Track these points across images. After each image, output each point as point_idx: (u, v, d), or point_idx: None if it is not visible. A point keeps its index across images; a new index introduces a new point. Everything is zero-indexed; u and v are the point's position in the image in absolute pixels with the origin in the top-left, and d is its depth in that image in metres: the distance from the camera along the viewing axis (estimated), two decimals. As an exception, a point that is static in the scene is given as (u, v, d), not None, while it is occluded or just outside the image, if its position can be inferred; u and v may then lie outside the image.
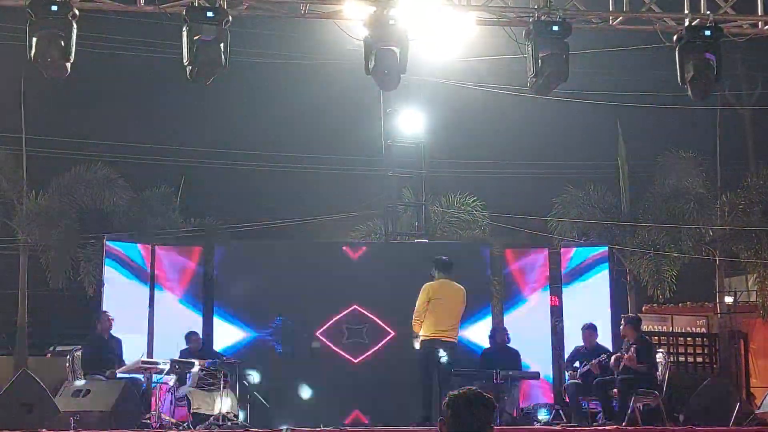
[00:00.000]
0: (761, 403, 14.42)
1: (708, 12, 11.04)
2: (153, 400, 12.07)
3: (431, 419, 11.45)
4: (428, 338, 11.75)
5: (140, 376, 12.21)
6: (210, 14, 10.16)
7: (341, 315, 14.13)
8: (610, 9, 11.30)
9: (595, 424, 12.20)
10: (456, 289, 12.05)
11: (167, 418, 11.95)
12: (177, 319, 14.16)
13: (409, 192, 20.88)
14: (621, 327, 12.50)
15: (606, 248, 15.56)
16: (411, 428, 11.37)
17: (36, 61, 10.02)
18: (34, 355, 19.97)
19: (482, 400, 4.38)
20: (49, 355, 20.91)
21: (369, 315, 14.11)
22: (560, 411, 13.09)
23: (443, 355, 11.74)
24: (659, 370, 12.21)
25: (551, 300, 15.29)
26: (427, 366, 11.75)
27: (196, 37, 10.13)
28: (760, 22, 11.40)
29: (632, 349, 11.98)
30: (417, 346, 11.86)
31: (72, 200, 20.65)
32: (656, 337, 20.51)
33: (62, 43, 9.97)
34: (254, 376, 13.34)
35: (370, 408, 13.65)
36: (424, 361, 11.78)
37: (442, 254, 12.48)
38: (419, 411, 11.72)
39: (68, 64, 10.13)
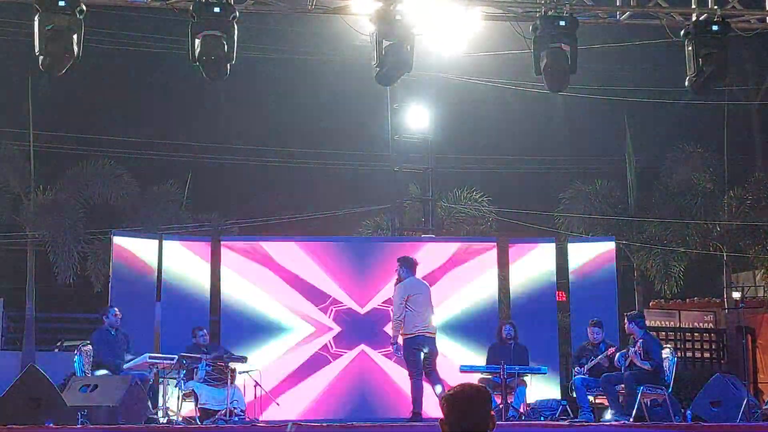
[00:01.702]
0: (769, 399, 14.43)
1: (715, 7, 11.02)
2: (160, 395, 12.08)
3: (421, 415, 11.50)
4: (413, 335, 11.69)
5: (147, 372, 12.23)
6: (217, 9, 10.16)
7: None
8: (617, 4, 11.29)
9: (601, 419, 12.20)
10: (426, 285, 12.14)
11: (174, 413, 11.97)
12: (184, 313, 14.20)
13: (416, 187, 20.88)
14: (625, 325, 12.49)
15: (613, 242, 15.56)
16: (417, 425, 11.38)
17: (42, 56, 10.02)
18: (42, 350, 19.99)
19: (478, 393, 4.40)
20: (56, 350, 20.95)
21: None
22: (567, 407, 13.09)
23: (429, 350, 11.73)
24: (666, 366, 12.19)
25: (558, 295, 15.30)
26: (416, 362, 11.72)
27: (203, 33, 10.13)
28: (767, 17, 11.38)
29: (638, 344, 11.97)
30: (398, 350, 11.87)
31: (79, 195, 20.66)
32: (663, 333, 20.50)
33: (70, 38, 9.98)
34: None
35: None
36: (412, 357, 11.72)
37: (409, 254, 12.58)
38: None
39: (75, 60, 10.13)
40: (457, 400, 4.37)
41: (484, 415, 4.36)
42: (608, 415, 12.16)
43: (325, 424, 11.75)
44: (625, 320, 12.55)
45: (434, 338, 11.82)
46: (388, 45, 10.49)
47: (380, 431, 11.66)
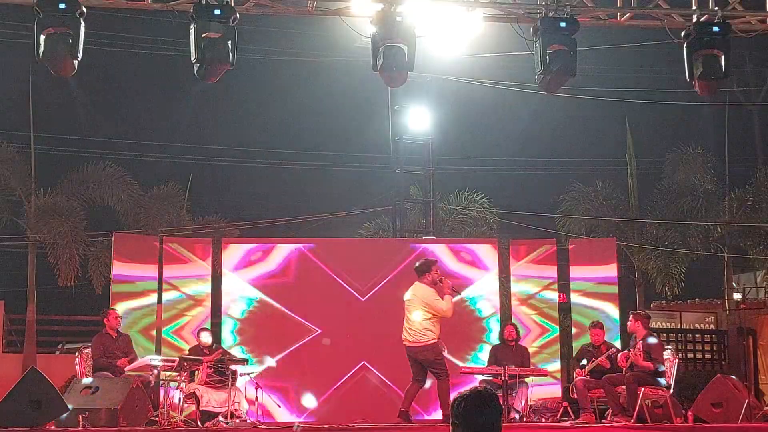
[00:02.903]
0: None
1: (716, 8, 11.01)
2: (161, 397, 12.08)
3: (407, 416, 11.48)
4: None
5: (148, 374, 12.22)
6: (217, 12, 10.15)
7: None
8: (618, 5, 11.29)
9: (603, 420, 12.20)
10: (412, 291, 11.79)
11: (175, 415, 11.97)
12: (186, 314, 14.22)
13: (417, 189, 20.88)
14: (629, 323, 12.47)
15: (614, 243, 15.59)
16: (417, 426, 11.38)
17: (43, 59, 10.02)
18: (43, 353, 19.99)
19: (491, 397, 4.43)
20: (57, 352, 20.95)
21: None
22: (568, 408, 13.09)
23: (412, 360, 11.73)
24: (667, 367, 12.19)
25: (559, 296, 15.32)
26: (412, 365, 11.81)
27: (204, 35, 10.12)
28: (768, 18, 11.38)
29: (639, 344, 11.97)
30: None
31: (80, 197, 20.65)
32: (664, 334, 20.49)
33: (70, 41, 9.97)
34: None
35: None
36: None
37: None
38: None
39: (76, 62, 10.14)
40: (471, 404, 4.40)
41: (495, 418, 4.41)
42: (609, 416, 12.16)
43: (326, 426, 11.76)
44: (630, 317, 12.52)
45: (412, 347, 11.63)
46: (388, 47, 10.48)
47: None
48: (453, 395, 4.57)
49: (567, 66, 10.69)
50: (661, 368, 11.99)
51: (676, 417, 11.93)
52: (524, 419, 12.60)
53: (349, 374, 14.25)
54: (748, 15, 11.31)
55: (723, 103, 23.76)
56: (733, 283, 23.27)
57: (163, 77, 26.69)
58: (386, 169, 21.13)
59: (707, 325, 22.19)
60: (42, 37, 9.93)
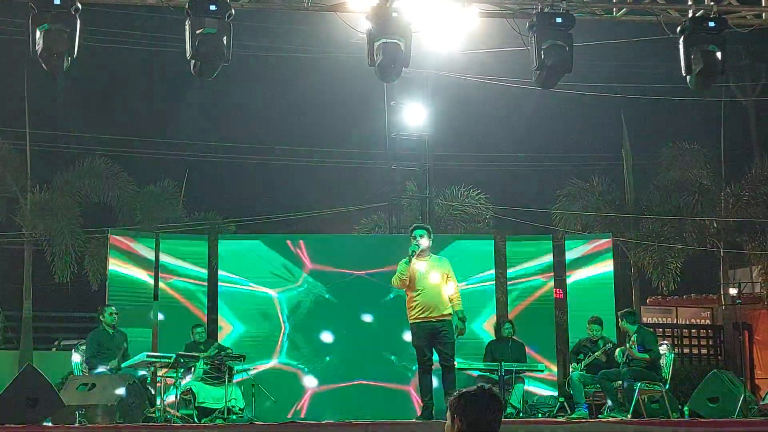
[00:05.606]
0: (766, 395, 14.44)
1: (712, 3, 11.02)
2: (158, 393, 12.07)
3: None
4: None
5: (145, 370, 12.22)
6: (213, 7, 10.13)
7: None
8: (613, 0, 11.29)
9: (599, 416, 12.21)
10: None
11: (172, 411, 11.96)
12: (182, 311, 14.21)
13: (414, 185, 20.88)
14: (620, 323, 12.51)
15: (610, 239, 15.59)
16: (417, 424, 11.37)
17: (38, 55, 10.00)
18: (39, 350, 19.99)
19: (495, 397, 4.42)
20: (54, 349, 20.95)
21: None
22: (564, 403, 13.10)
23: None
24: (663, 362, 12.19)
25: (555, 292, 15.32)
26: None
27: (199, 31, 10.11)
28: (764, 13, 11.37)
29: (633, 337, 11.99)
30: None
31: (76, 194, 20.64)
32: (660, 329, 20.51)
33: (65, 37, 9.95)
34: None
35: None
36: None
37: None
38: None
39: (71, 59, 10.11)
40: (476, 402, 4.38)
41: (498, 419, 4.41)
42: (606, 411, 12.17)
43: (323, 422, 11.76)
44: (618, 319, 12.58)
45: None
46: (384, 42, 10.47)
47: (381, 430, 11.66)
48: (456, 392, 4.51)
49: (563, 61, 10.69)
50: (658, 356, 12.01)
51: (672, 412, 11.94)
52: (520, 415, 12.61)
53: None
54: (744, 10, 11.32)
55: (719, 99, 23.78)
56: (729, 278, 23.29)
57: (158, 73, 26.67)
58: (382, 165, 21.13)
59: (703, 321, 22.23)
60: (37, 34, 9.91)
